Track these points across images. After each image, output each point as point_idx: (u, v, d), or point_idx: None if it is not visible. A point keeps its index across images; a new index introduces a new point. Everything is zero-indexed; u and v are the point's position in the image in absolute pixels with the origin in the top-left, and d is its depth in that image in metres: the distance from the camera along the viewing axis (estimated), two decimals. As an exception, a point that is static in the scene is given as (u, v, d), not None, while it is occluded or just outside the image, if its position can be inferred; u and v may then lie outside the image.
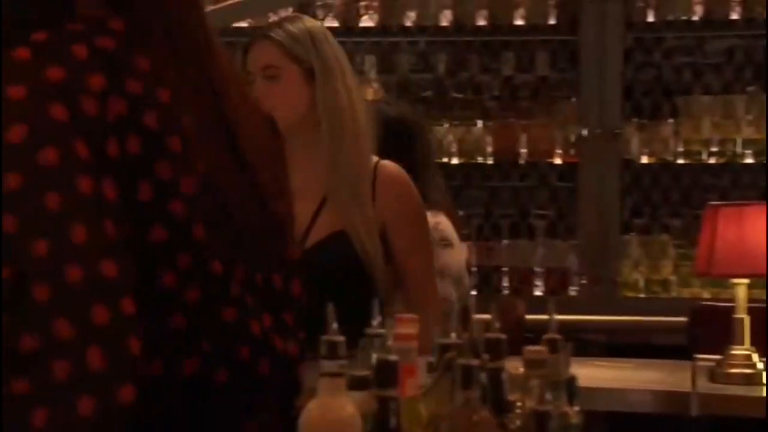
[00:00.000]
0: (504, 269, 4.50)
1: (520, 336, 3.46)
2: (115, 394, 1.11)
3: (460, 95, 4.56)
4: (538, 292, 4.47)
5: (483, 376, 1.72)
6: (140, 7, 1.29)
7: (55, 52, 1.21)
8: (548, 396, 1.65)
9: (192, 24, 1.33)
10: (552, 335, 1.75)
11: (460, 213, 4.52)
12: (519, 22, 4.55)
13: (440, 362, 1.79)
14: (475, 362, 1.65)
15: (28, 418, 1.08)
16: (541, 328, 3.59)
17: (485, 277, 4.49)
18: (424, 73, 4.60)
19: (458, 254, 3.32)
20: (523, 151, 4.53)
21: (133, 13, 1.28)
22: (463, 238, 3.48)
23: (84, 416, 1.09)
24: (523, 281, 4.48)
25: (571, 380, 1.77)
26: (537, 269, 4.49)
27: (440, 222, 3.27)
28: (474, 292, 4.39)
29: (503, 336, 1.76)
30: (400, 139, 3.29)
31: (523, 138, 4.52)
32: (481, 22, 4.56)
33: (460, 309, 3.21)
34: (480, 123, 4.55)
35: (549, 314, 1.78)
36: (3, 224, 1.13)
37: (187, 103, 1.28)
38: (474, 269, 4.47)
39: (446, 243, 3.26)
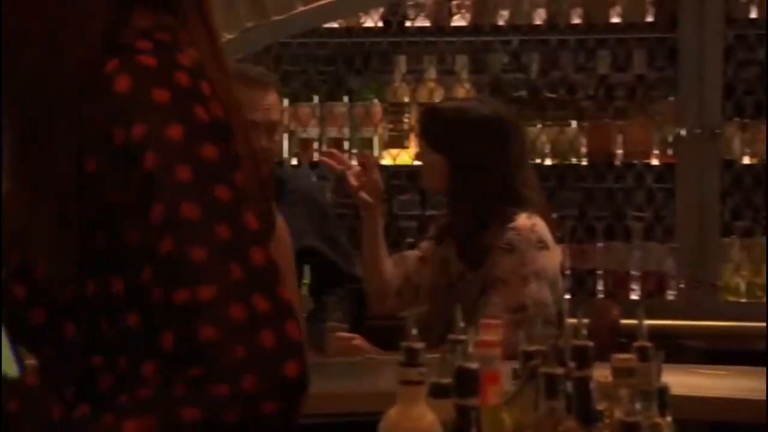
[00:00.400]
0: (599, 272, 4.41)
1: (615, 341, 3.38)
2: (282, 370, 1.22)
3: (554, 95, 4.47)
4: (634, 296, 4.36)
5: (569, 385, 1.65)
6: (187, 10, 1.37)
7: (173, 60, 1.30)
8: (638, 406, 1.58)
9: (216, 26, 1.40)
10: (642, 342, 1.67)
11: (554, 215, 4.44)
12: (615, 19, 4.45)
13: (524, 370, 1.73)
14: (559, 371, 1.59)
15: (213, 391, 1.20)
16: (636, 333, 3.46)
17: (579, 281, 4.40)
18: (516, 73, 4.52)
19: (554, 257, 3.26)
20: (619, 151, 4.43)
21: (185, 18, 1.36)
22: (557, 240, 3.41)
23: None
24: (618, 285, 4.38)
25: (663, 389, 1.70)
26: (633, 272, 4.39)
27: (536, 224, 3.22)
28: (568, 296, 4.32)
29: (590, 343, 1.69)
30: (494, 138, 3.25)
31: (619, 138, 4.42)
32: (576, 21, 4.47)
33: (557, 314, 3.16)
34: (574, 123, 4.46)
35: (639, 320, 1.71)
36: (184, 212, 1.24)
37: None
38: (568, 272, 4.38)
39: (542, 245, 3.21)
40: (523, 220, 3.21)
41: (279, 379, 1.23)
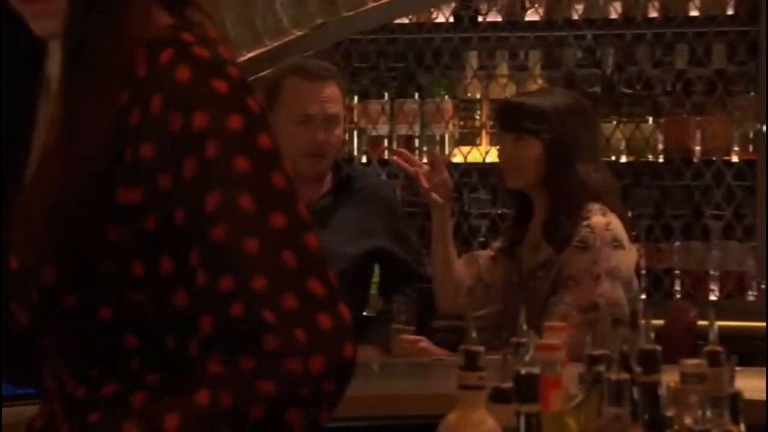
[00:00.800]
0: (676, 272, 4.29)
1: (692, 343, 3.28)
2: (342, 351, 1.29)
3: (630, 91, 4.36)
4: (713, 297, 4.25)
5: (635, 391, 1.58)
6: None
7: (219, 53, 1.35)
8: (708, 413, 1.50)
9: None
10: (713, 347, 1.59)
11: (629, 213, 4.34)
12: (694, 13, 4.34)
13: (589, 375, 1.66)
14: (625, 377, 1.51)
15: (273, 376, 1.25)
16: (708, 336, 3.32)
17: (656, 281, 4.29)
18: (591, 68, 4.42)
19: (629, 256, 3.18)
20: (697, 148, 4.31)
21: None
22: (633, 239, 3.33)
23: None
24: (696, 285, 4.27)
25: (736, 395, 1.61)
26: (712, 272, 4.27)
27: (611, 222, 3.14)
28: (643, 296, 4.22)
29: (658, 347, 1.61)
30: (586, 126, 3.24)
31: (697, 135, 4.31)
32: (653, 14, 4.37)
33: (630, 314, 3.06)
34: (651, 119, 4.35)
35: (709, 323, 1.62)
36: (240, 203, 1.28)
37: None
38: (644, 272, 4.28)
39: (617, 244, 3.13)
40: (598, 217, 3.13)
41: (341, 359, 1.29)
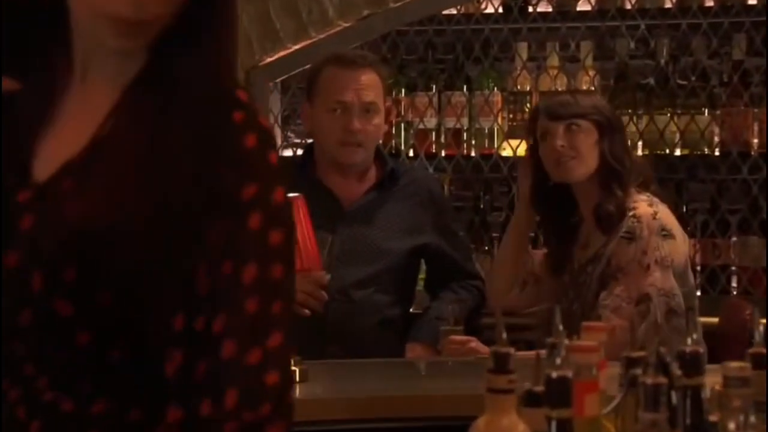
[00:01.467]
0: (732, 269, 4.17)
1: (747, 342, 3.18)
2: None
3: (685, 82, 4.24)
4: (772, 294, 4.13)
5: (673, 395, 1.49)
6: None
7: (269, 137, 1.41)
8: (752, 418, 1.41)
9: None
10: (758, 348, 1.50)
11: (684, 208, 4.23)
12: (752, 1, 4.22)
13: (626, 378, 1.57)
14: (662, 380, 1.43)
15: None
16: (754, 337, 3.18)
17: (711, 277, 4.17)
18: (644, 59, 4.30)
19: (680, 246, 3.12)
20: (755, 141, 4.18)
21: None
22: (687, 233, 3.25)
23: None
24: (753, 282, 4.14)
25: (782, 400, 1.51)
26: (771, 269, 4.15)
27: (658, 211, 3.10)
28: (699, 293, 4.11)
29: (701, 349, 1.52)
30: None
31: (755, 127, 4.18)
32: (709, 3, 4.24)
33: (686, 310, 2.97)
34: (706, 111, 4.23)
35: (754, 323, 1.53)
36: (274, 272, 1.37)
37: None
38: (699, 268, 4.17)
39: (666, 233, 3.08)
40: (645, 207, 3.09)
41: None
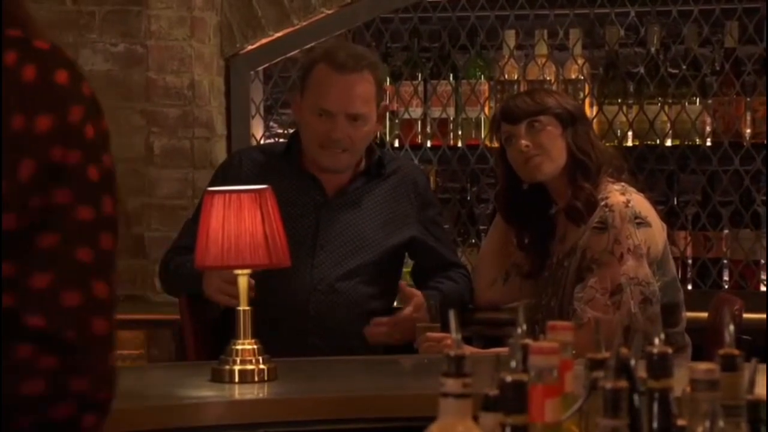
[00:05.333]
0: (724, 262, 4.08)
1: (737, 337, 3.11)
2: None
3: (676, 71, 4.16)
4: (763, 288, 4.04)
5: (636, 399, 1.40)
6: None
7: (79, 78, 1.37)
8: (721, 423, 1.33)
9: None
10: (728, 350, 1.41)
11: (675, 200, 4.15)
12: (744, -12, 4.14)
13: (587, 381, 1.49)
14: (622, 384, 1.34)
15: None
16: (763, 328, 3.11)
17: (702, 271, 4.08)
18: (635, 47, 4.22)
19: (655, 234, 3.06)
20: (747, 131, 4.10)
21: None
22: (671, 225, 3.19)
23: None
24: (746, 275, 4.05)
25: (756, 403, 1.43)
26: (762, 262, 4.06)
27: (631, 199, 3.05)
28: (690, 287, 4.04)
29: (668, 349, 1.43)
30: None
31: (747, 117, 4.09)
32: (700, -10, 4.16)
33: (666, 305, 2.90)
34: (698, 101, 4.14)
35: (725, 321, 1.44)
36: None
37: None
38: (690, 262, 4.08)
39: (640, 221, 3.03)
40: (617, 196, 3.05)
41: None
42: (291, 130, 3.96)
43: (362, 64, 3.32)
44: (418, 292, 3.31)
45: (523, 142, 3.11)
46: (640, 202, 3.06)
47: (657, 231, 3.07)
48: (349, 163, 3.37)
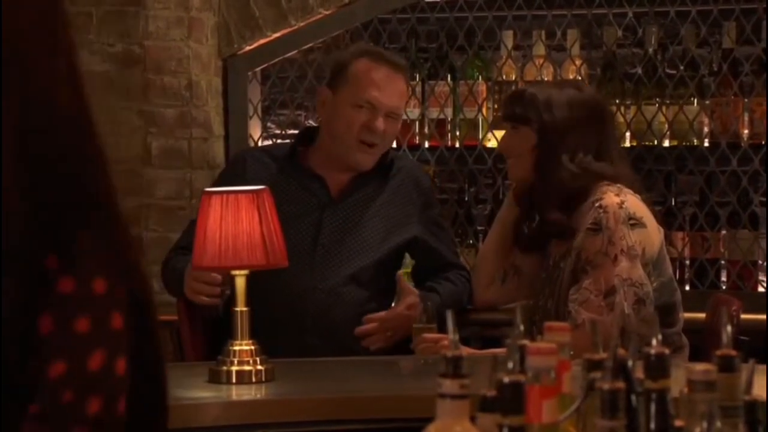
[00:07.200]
0: (722, 262, 4.08)
1: (734, 338, 3.11)
2: None
3: (673, 71, 4.15)
4: (761, 289, 4.03)
5: (633, 399, 1.40)
6: None
7: None
8: (718, 424, 1.33)
9: None
10: (726, 350, 1.41)
11: (672, 201, 4.15)
12: (742, -11, 4.13)
13: (584, 382, 1.48)
14: (619, 385, 1.34)
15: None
16: (761, 328, 3.11)
17: (700, 271, 4.08)
18: (632, 48, 4.22)
19: (650, 235, 3.04)
20: (745, 132, 4.09)
21: None
22: (669, 226, 3.18)
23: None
24: (743, 276, 4.05)
25: (753, 403, 1.43)
26: (760, 263, 4.05)
27: (625, 200, 3.03)
28: (687, 288, 4.03)
29: (666, 350, 1.43)
30: (584, 117, 3.12)
31: (745, 117, 4.09)
32: (698, -10, 4.16)
33: (662, 306, 2.90)
34: (695, 101, 4.14)
35: (722, 322, 1.44)
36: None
37: None
38: (687, 262, 4.08)
39: (634, 222, 3.02)
40: (611, 197, 3.03)
41: None
42: (289, 131, 3.96)
43: (402, 65, 3.39)
44: (414, 291, 3.31)
45: (503, 139, 3.23)
46: (634, 203, 3.05)
47: (652, 231, 3.06)
48: (375, 160, 3.38)
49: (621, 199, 3.03)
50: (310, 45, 4.29)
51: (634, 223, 3.02)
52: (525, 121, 3.12)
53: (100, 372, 1.30)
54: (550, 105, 3.10)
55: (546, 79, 4.16)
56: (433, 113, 4.27)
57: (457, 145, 4.26)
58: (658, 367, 1.41)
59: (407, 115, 4.26)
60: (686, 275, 4.07)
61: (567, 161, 3.06)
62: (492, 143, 4.20)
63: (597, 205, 3.03)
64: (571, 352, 1.53)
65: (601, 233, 3.00)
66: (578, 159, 3.07)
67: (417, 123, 4.29)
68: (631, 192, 3.08)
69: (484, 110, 4.23)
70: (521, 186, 3.23)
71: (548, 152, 3.08)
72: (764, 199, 4.10)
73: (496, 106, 4.22)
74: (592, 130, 3.11)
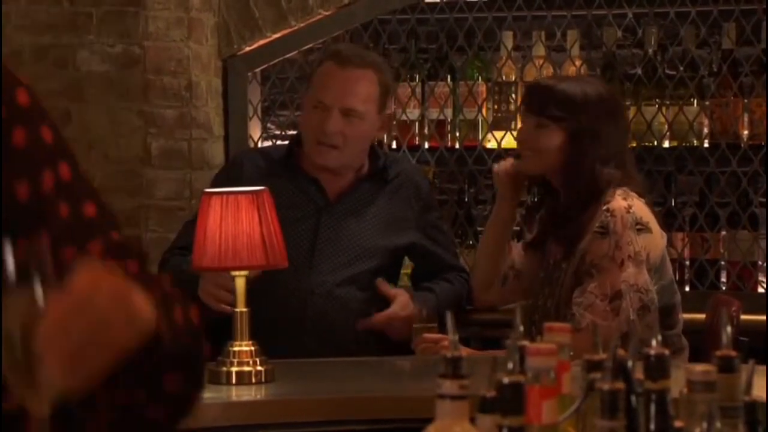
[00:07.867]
0: (721, 263, 4.08)
1: (734, 339, 3.11)
2: None
3: (673, 72, 4.15)
4: (761, 289, 4.03)
5: (634, 400, 1.40)
6: None
7: None
8: (718, 424, 1.33)
9: None
10: (726, 351, 1.41)
11: (672, 201, 4.15)
12: (741, -11, 4.13)
13: (584, 382, 1.48)
14: (619, 386, 1.34)
15: None
16: (760, 329, 3.11)
17: (699, 272, 4.08)
18: (632, 49, 4.21)
19: (656, 240, 3.04)
20: (745, 132, 4.09)
21: None
22: (663, 226, 3.16)
23: None
24: (743, 277, 4.05)
25: (753, 404, 1.43)
26: (760, 263, 4.05)
27: (632, 205, 3.03)
28: (687, 288, 4.03)
29: (665, 351, 1.43)
30: (611, 113, 3.13)
31: (745, 118, 4.09)
32: (698, -9, 4.16)
33: (663, 308, 2.90)
34: (695, 102, 4.14)
35: (722, 322, 1.44)
36: None
37: None
38: (687, 263, 4.08)
39: (641, 227, 3.01)
40: (619, 201, 3.02)
41: None
42: (289, 132, 3.96)
43: (366, 62, 3.36)
44: (400, 291, 3.32)
45: (526, 132, 3.18)
46: (640, 208, 3.04)
47: (657, 237, 3.05)
48: (341, 162, 3.36)
49: (628, 204, 3.02)
50: (310, 46, 4.29)
51: (641, 228, 3.01)
52: (557, 119, 3.08)
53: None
54: (585, 105, 3.08)
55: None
56: (433, 114, 4.27)
57: (457, 145, 4.26)
58: (657, 368, 1.41)
59: (407, 116, 4.27)
60: (686, 276, 4.07)
61: (597, 166, 3.05)
62: (492, 144, 4.20)
63: (604, 208, 3.02)
64: (571, 353, 1.53)
65: (608, 237, 2.99)
66: (602, 164, 3.06)
67: (417, 124, 4.29)
68: (636, 195, 3.07)
69: (484, 111, 4.23)
70: (531, 179, 3.22)
71: (580, 154, 3.06)
72: (764, 199, 4.10)
73: (496, 106, 4.23)
74: (614, 127, 3.11)
